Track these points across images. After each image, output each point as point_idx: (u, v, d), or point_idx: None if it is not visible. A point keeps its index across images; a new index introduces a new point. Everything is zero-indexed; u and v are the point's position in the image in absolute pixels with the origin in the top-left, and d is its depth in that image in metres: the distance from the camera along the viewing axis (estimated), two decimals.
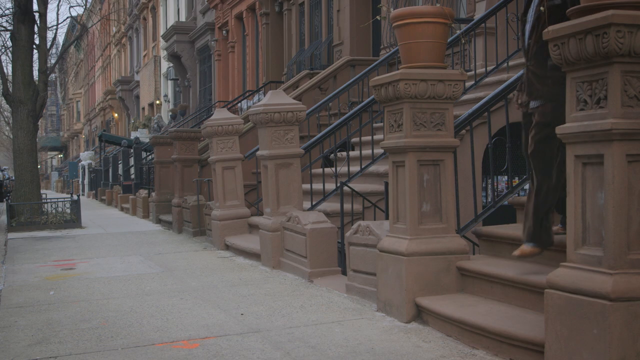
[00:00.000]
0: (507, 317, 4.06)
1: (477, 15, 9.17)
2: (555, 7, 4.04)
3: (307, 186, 7.94)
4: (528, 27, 4.29)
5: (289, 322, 4.82)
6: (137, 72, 38.19)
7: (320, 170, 8.33)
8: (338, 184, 7.20)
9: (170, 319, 5.05)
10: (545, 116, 4.07)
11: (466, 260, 4.80)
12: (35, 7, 14.60)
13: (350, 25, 14.49)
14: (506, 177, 7.29)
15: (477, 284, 4.66)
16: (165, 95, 31.45)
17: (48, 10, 15.26)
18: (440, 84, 4.74)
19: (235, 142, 9.25)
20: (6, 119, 37.66)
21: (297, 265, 6.68)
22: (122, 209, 18.55)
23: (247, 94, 18.63)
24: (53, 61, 25.46)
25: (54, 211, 13.90)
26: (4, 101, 24.25)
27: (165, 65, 31.31)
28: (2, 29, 16.73)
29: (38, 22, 14.83)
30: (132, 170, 20.51)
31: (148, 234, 11.62)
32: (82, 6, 22.58)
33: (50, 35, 16.63)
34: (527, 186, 6.83)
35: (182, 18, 28.72)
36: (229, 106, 17.49)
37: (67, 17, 26.13)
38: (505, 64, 7.85)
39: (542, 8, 3.98)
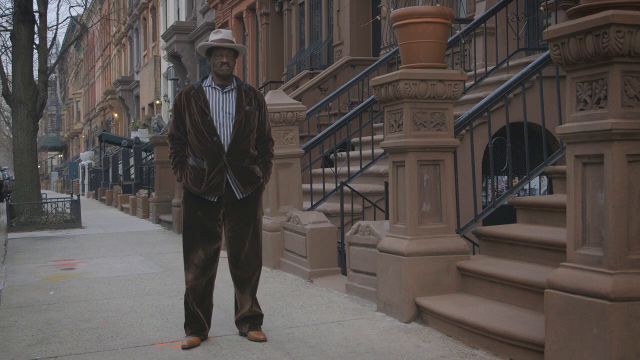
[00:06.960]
0: (507, 317, 4.06)
1: (477, 15, 9.17)
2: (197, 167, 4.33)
3: (307, 186, 7.94)
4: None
5: (289, 322, 4.82)
6: (137, 72, 38.19)
7: (320, 170, 8.32)
8: (338, 184, 7.20)
9: (170, 319, 5.05)
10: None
11: (466, 260, 4.80)
12: (35, 7, 14.62)
13: (350, 25, 14.49)
14: (506, 177, 7.29)
15: (477, 284, 4.66)
16: (165, 95, 31.44)
17: (48, 10, 15.27)
18: (440, 84, 4.74)
19: None
20: (6, 119, 37.66)
21: (297, 265, 6.68)
22: (122, 209, 18.55)
23: None
24: (53, 61, 25.45)
25: (54, 211, 13.90)
26: (4, 101, 24.25)
27: (165, 65, 31.31)
28: (2, 29, 16.74)
29: (38, 22, 14.83)
30: (132, 170, 20.51)
31: (148, 234, 11.62)
32: (82, 6, 22.59)
33: (50, 35, 16.70)
34: (527, 186, 6.84)
35: (182, 18, 28.70)
36: None
37: (67, 17, 26.12)
38: (505, 64, 7.84)
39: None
